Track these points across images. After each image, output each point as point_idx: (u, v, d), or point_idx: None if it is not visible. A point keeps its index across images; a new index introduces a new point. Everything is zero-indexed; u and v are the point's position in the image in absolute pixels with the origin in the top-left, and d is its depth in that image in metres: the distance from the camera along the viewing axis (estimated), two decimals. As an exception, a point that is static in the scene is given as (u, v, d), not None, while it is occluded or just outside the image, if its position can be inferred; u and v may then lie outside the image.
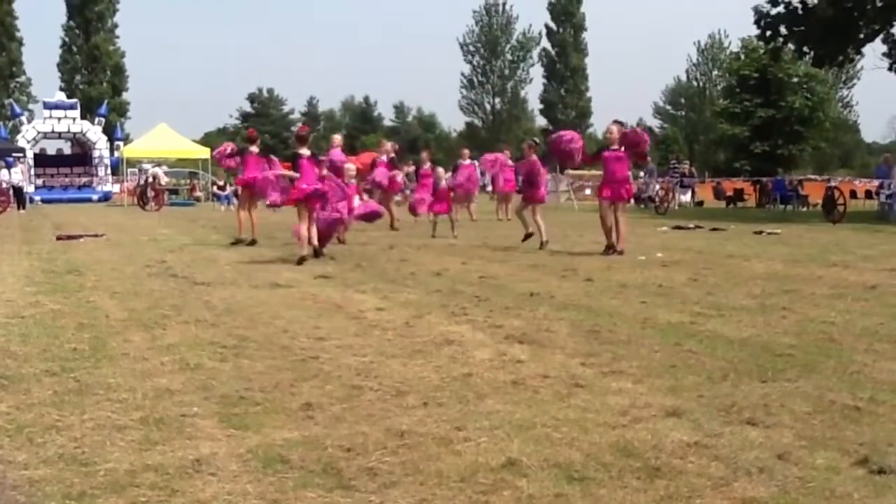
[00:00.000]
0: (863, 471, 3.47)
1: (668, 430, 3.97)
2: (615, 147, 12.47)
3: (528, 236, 13.77)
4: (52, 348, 5.89)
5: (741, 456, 3.62)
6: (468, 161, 22.52)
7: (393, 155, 19.24)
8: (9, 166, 32.12)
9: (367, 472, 3.50)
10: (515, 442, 3.83)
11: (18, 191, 31.23)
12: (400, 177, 20.35)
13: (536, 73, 76.23)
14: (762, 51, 37.73)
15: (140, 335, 6.38)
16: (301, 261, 11.01)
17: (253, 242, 14.06)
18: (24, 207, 30.28)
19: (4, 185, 30.66)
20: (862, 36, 27.12)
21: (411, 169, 24.26)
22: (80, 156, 43.76)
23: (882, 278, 9.43)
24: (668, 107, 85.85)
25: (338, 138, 18.37)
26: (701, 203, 34.55)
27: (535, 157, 14.17)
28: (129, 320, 7.03)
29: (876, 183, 24.35)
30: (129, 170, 39.15)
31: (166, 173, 39.87)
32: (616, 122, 13.04)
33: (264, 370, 5.23)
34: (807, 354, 5.57)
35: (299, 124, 65.29)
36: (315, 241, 11.61)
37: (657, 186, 29.65)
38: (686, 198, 33.13)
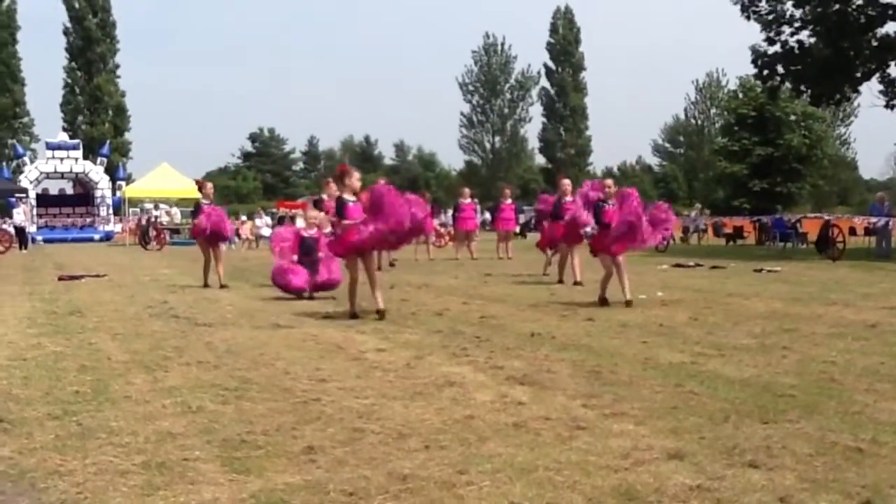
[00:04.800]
0: (865, 514, 3.47)
1: (670, 473, 3.97)
2: (569, 199, 14.06)
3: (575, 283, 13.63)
4: (55, 391, 5.90)
5: (743, 499, 3.62)
6: (469, 200, 22.72)
7: None
8: (11, 207, 32.26)
9: (370, 516, 3.50)
10: (517, 485, 3.83)
11: (21, 231, 31.35)
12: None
13: (536, 112, 76.80)
14: (759, 90, 37.99)
15: (142, 377, 6.39)
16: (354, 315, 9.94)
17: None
18: (26, 248, 30.36)
19: (6, 226, 30.78)
20: (858, 75, 27.37)
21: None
22: (83, 196, 44.03)
23: (882, 317, 9.44)
24: (668, 144, 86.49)
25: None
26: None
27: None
28: (130, 362, 7.04)
29: (874, 220, 24.41)
30: (132, 209, 39.30)
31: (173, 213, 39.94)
32: (564, 176, 15.10)
33: (266, 413, 5.23)
34: (808, 395, 5.58)
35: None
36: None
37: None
38: None
